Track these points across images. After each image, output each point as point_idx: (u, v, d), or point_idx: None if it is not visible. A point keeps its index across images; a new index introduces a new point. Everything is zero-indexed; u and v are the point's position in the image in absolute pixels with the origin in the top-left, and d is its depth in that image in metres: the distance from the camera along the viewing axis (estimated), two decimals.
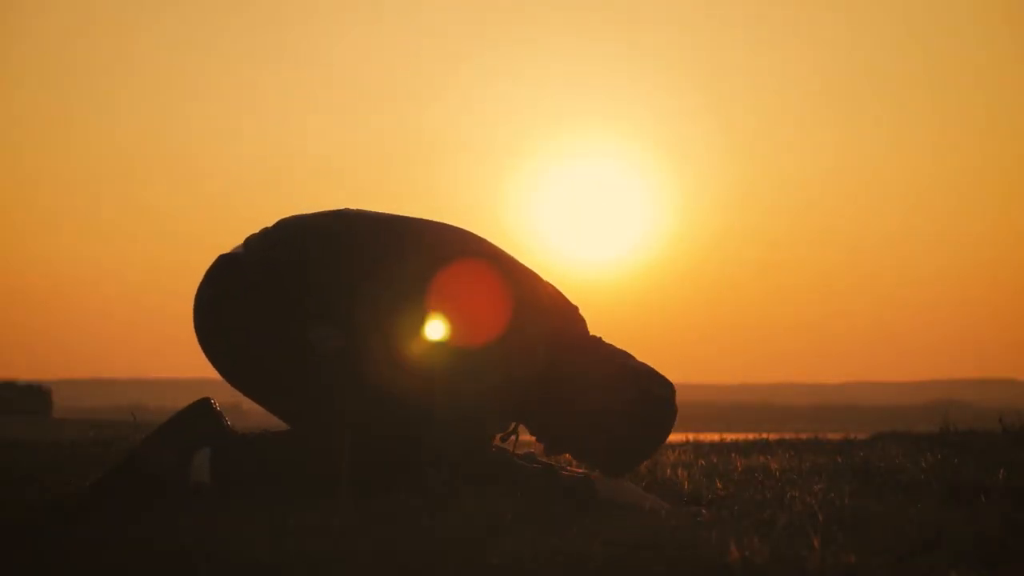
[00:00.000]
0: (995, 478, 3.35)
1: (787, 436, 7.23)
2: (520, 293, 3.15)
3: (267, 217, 3.36)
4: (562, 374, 3.22)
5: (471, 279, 3.16)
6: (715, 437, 6.60)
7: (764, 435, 6.96)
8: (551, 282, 3.32)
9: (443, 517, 2.64)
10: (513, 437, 3.34)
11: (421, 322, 3.14)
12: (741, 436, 6.80)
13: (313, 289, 3.15)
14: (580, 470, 3.28)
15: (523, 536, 2.41)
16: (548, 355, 3.18)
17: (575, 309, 3.32)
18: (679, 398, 3.30)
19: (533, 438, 3.34)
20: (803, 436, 7.08)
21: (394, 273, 3.16)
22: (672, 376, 3.33)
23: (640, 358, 3.27)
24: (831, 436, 6.55)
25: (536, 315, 3.16)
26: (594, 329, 3.33)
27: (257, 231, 3.27)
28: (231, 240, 3.29)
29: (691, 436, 6.72)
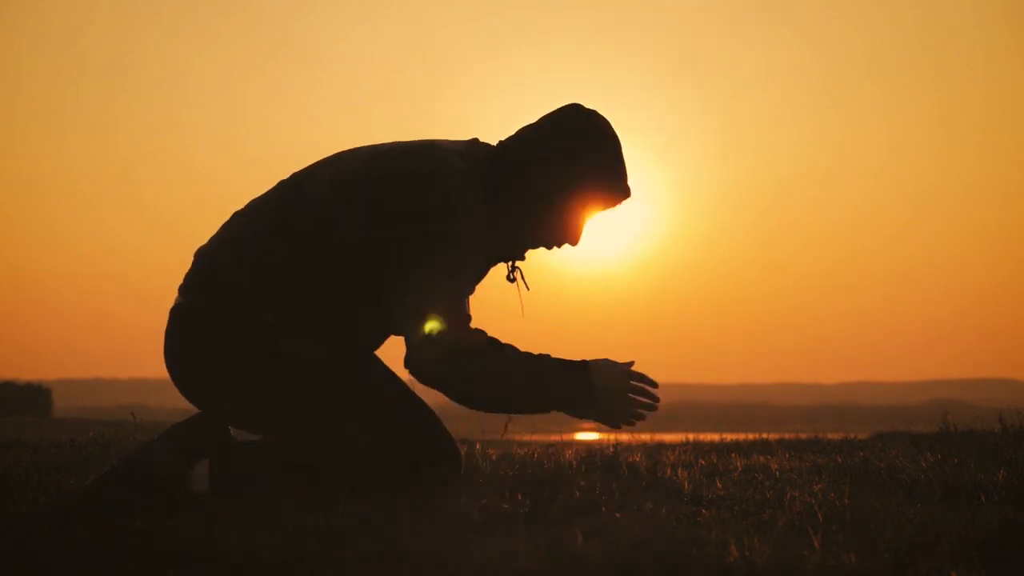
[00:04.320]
0: (995, 478, 3.35)
1: (787, 436, 7.23)
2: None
3: None
4: None
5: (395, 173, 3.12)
6: (715, 437, 6.60)
7: (764, 435, 6.96)
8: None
9: (443, 516, 2.64)
10: (517, 273, 3.32)
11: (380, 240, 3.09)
12: (741, 436, 6.79)
13: (255, 287, 3.12)
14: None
15: (522, 535, 2.41)
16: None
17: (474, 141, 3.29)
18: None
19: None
20: (803, 436, 7.08)
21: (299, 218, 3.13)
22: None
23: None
24: (831, 436, 6.55)
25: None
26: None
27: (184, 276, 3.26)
28: None
29: (691, 436, 6.72)
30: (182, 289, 3.21)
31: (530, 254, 3.35)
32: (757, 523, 2.66)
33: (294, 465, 3.12)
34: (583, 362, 3.19)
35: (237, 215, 3.26)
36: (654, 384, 3.21)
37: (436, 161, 3.13)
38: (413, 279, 3.07)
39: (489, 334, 3.17)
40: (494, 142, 3.30)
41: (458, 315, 3.10)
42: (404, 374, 3.30)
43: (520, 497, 2.90)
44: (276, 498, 2.96)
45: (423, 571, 2.11)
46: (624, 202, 3.27)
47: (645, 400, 3.21)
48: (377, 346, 3.30)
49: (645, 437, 6.72)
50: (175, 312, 3.20)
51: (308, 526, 2.54)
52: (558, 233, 3.25)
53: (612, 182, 3.22)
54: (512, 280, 3.32)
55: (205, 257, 3.22)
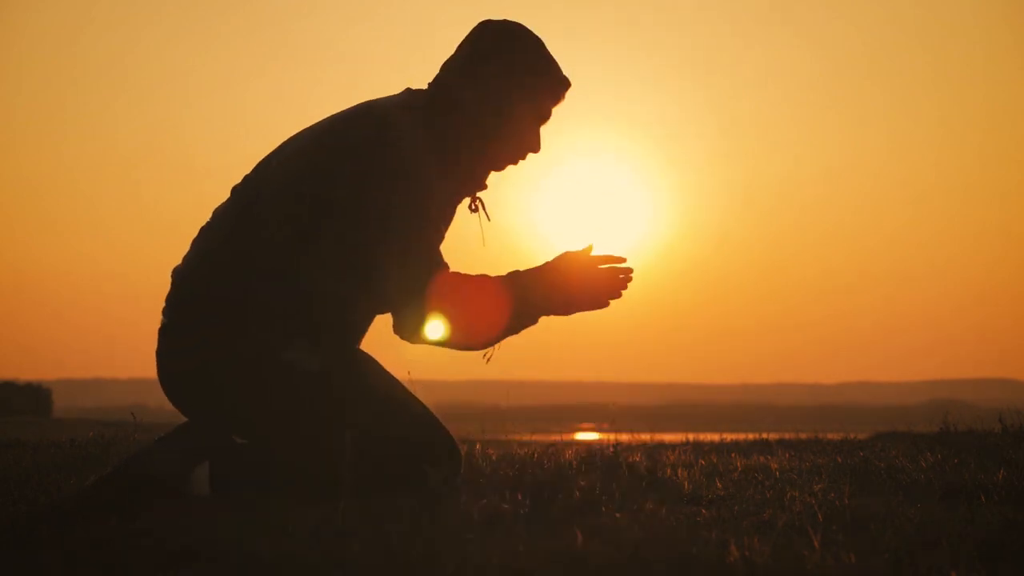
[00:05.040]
0: (995, 478, 3.35)
1: (787, 436, 7.22)
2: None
3: None
4: None
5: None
6: (715, 437, 6.60)
7: (764, 435, 6.96)
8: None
9: (443, 516, 2.64)
10: (479, 203, 3.31)
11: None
12: (741, 436, 6.80)
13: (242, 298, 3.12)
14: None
15: (523, 535, 2.41)
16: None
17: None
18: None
19: None
20: (803, 436, 7.08)
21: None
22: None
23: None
24: (831, 436, 6.55)
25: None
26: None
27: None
28: None
29: (691, 436, 6.71)
30: (166, 311, 3.22)
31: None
32: (757, 523, 2.66)
33: (294, 467, 3.12)
34: (547, 263, 3.19)
35: (204, 229, 3.26)
36: (621, 259, 3.22)
37: (376, 123, 3.13)
38: (383, 247, 3.07)
39: (460, 270, 3.19)
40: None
41: (434, 271, 3.10)
42: (397, 366, 3.30)
43: (520, 497, 2.90)
44: (276, 498, 2.96)
45: (423, 571, 2.11)
46: (566, 94, 3.27)
47: (619, 276, 3.21)
48: (366, 328, 3.31)
49: (645, 437, 6.72)
50: (163, 333, 3.20)
51: (308, 526, 2.54)
52: (517, 146, 3.25)
53: (547, 75, 3.24)
54: (474, 210, 3.32)
55: (182, 276, 3.21)
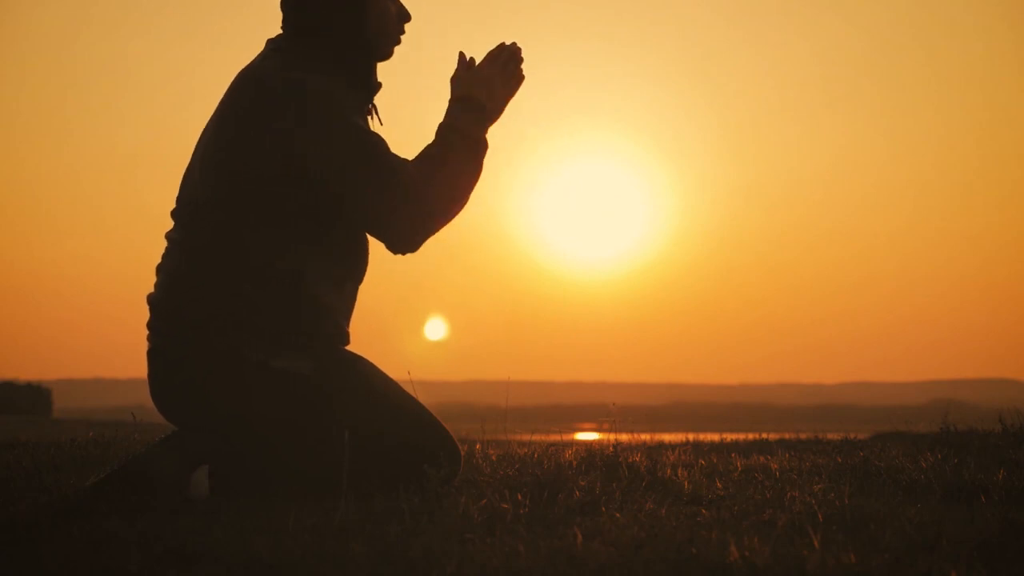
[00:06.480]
0: (995, 478, 3.35)
1: (787, 436, 7.23)
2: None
3: None
4: None
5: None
6: (715, 437, 6.60)
7: (764, 435, 6.96)
8: None
9: (443, 516, 2.64)
10: (371, 109, 3.35)
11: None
12: (741, 436, 6.80)
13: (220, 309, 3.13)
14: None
15: (523, 535, 2.42)
16: None
17: None
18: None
19: None
20: (803, 436, 7.08)
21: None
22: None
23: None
24: (831, 436, 6.55)
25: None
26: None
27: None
28: None
29: (691, 436, 6.71)
30: (150, 336, 3.22)
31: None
32: (757, 523, 2.66)
33: (294, 469, 3.12)
34: (451, 96, 3.28)
35: (164, 255, 3.26)
36: (498, 47, 3.33)
37: (263, 82, 3.16)
38: (351, 181, 3.10)
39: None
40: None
41: (404, 169, 3.14)
42: (397, 367, 3.30)
43: (520, 497, 2.90)
44: (276, 498, 2.96)
45: (423, 571, 2.11)
46: None
47: (508, 63, 3.31)
48: (351, 304, 3.32)
49: (645, 437, 6.71)
50: (152, 355, 3.20)
51: (308, 526, 2.54)
52: (388, 26, 3.31)
53: None
54: (368, 115, 3.35)
55: (157, 303, 3.21)
